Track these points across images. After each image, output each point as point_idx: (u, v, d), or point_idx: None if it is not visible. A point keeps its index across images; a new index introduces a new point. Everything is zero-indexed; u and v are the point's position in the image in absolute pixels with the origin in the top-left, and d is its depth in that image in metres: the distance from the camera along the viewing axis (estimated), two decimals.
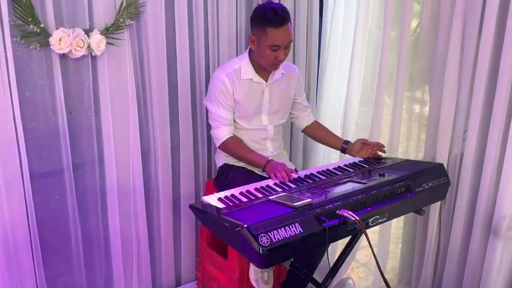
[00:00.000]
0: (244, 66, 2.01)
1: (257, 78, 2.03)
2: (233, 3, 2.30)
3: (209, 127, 2.15)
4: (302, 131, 2.32)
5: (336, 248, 2.49)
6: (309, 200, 1.53)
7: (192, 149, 2.35)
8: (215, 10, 2.26)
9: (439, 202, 2.04)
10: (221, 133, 2.04)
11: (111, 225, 2.19)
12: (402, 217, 2.32)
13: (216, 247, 2.27)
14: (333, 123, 2.51)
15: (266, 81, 2.05)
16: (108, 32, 1.97)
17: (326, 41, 2.54)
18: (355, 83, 2.40)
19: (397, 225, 2.46)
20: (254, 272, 2.00)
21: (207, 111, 2.13)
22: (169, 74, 2.20)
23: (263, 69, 2.02)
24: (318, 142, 2.33)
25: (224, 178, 2.09)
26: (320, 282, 1.90)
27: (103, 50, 1.95)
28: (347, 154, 2.12)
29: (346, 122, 2.45)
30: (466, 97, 1.95)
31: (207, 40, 2.28)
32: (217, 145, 2.08)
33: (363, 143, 2.04)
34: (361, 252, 2.63)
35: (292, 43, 2.00)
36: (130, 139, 2.14)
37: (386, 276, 2.39)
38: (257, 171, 2.05)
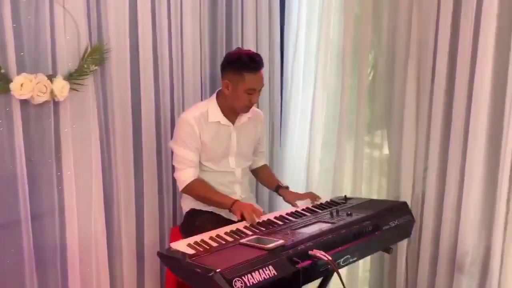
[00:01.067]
0: (211, 109, 2.04)
1: (224, 121, 2.05)
2: (197, 47, 2.35)
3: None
4: (250, 171, 2.33)
5: None
6: (281, 241, 1.52)
7: (156, 196, 2.30)
8: (179, 55, 2.30)
9: (405, 241, 2.08)
10: (186, 175, 2.01)
11: (71, 280, 2.07)
12: (368, 259, 2.35)
13: None
14: (297, 165, 2.55)
15: (233, 124, 2.08)
16: (72, 77, 1.95)
17: (288, 88, 2.62)
18: (317, 127, 2.48)
19: (363, 268, 2.46)
20: None
21: (172, 154, 2.11)
22: (134, 119, 2.18)
23: (231, 112, 2.05)
24: (260, 183, 2.38)
25: (191, 223, 2.04)
26: None
27: (66, 96, 1.92)
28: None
29: (310, 163, 2.50)
30: (424, 137, 2.05)
31: (172, 85, 2.30)
32: (181, 188, 2.04)
33: (295, 197, 2.07)
34: None
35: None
36: (92, 187, 2.08)
37: None
38: (225, 215, 2.02)
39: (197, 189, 2.02)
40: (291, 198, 2.07)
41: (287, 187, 2.17)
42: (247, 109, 2.05)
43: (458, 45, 1.86)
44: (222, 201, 1.97)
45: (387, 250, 1.83)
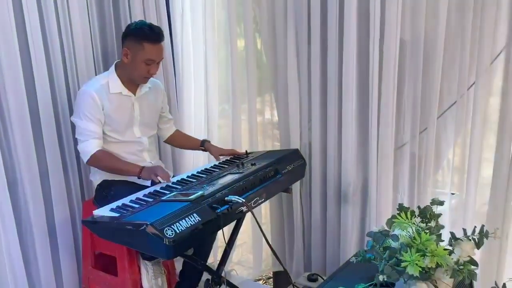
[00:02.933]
0: (112, 80, 2.09)
1: (126, 91, 2.12)
2: (86, 24, 2.34)
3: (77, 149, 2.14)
4: (165, 141, 2.48)
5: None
6: (201, 192, 1.71)
7: (62, 173, 2.29)
8: (68, 32, 2.27)
9: (298, 183, 2.41)
10: (90, 146, 2.03)
11: None
12: (268, 208, 2.66)
13: (102, 267, 2.26)
14: (196, 130, 2.74)
15: (135, 95, 2.16)
16: None
17: (179, 59, 2.76)
18: (213, 94, 2.68)
19: (264, 216, 2.76)
20: (147, 280, 2.08)
21: (73, 130, 2.12)
22: (29, 100, 2.13)
23: (131, 83, 2.13)
24: (180, 148, 2.56)
25: (106, 194, 2.10)
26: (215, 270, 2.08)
27: None
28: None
29: (209, 128, 2.70)
30: (306, 95, 2.36)
31: (65, 63, 2.27)
32: (85, 159, 2.06)
33: (221, 155, 2.29)
34: (234, 252, 2.86)
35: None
36: None
37: (264, 263, 2.71)
38: (140, 182, 2.12)
39: (103, 159, 2.05)
40: (216, 152, 2.27)
41: (209, 141, 2.35)
42: (144, 80, 2.13)
43: (327, 13, 2.16)
44: (129, 169, 2.03)
45: (287, 190, 2.15)
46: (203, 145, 2.34)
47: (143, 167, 2.02)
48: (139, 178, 2.01)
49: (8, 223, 2.08)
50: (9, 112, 2.07)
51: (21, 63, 2.08)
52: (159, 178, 1.93)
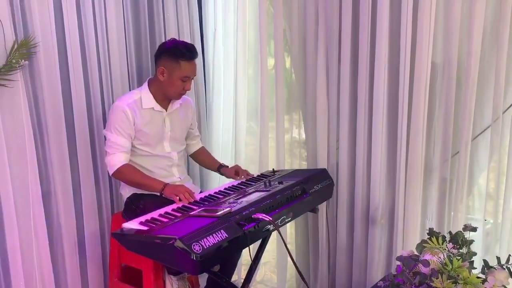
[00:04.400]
0: (144, 96, 2.15)
1: (158, 107, 2.18)
2: (122, 40, 2.43)
3: None
4: (190, 155, 2.52)
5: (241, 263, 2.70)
6: (228, 208, 1.72)
7: (93, 186, 2.35)
8: (105, 49, 2.35)
9: (324, 204, 2.39)
10: (116, 160, 2.08)
11: (14, 278, 2.06)
12: (293, 227, 2.64)
13: (128, 280, 2.28)
14: (224, 147, 2.76)
15: (166, 110, 2.21)
16: (0, 73, 1.94)
17: (210, 77, 2.81)
18: (241, 112, 2.71)
19: (289, 235, 2.75)
20: None
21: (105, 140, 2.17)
22: (65, 113, 2.21)
23: (164, 99, 2.18)
24: (200, 164, 2.58)
25: (135, 207, 2.14)
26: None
27: None
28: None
29: (237, 145, 2.72)
30: (335, 115, 2.35)
31: (101, 77, 2.35)
32: (111, 172, 2.10)
33: (236, 170, 2.31)
34: (257, 271, 2.85)
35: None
36: (29, 183, 2.08)
37: (287, 283, 2.68)
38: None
39: (127, 173, 2.09)
40: (231, 173, 2.29)
41: (227, 166, 2.37)
42: (180, 96, 2.19)
43: (359, 34, 2.17)
44: (153, 184, 2.06)
45: (314, 210, 2.14)
46: (220, 169, 2.37)
47: (167, 184, 2.04)
48: (161, 195, 2.03)
49: (40, 234, 2.14)
50: (47, 123, 2.15)
51: (60, 76, 2.17)
52: (180, 199, 1.94)
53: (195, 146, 2.48)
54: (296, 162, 2.66)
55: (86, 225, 2.34)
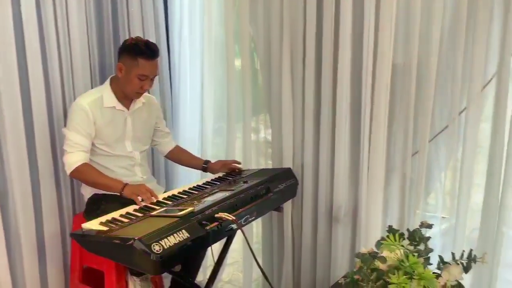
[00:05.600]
0: (106, 94, 2.11)
1: (119, 106, 2.14)
2: (84, 37, 2.36)
3: None
4: (165, 156, 2.48)
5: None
6: (191, 208, 1.71)
7: (54, 186, 2.29)
8: (67, 45, 2.30)
9: (289, 203, 2.40)
10: (74, 159, 2.02)
11: None
12: (260, 225, 2.65)
13: (90, 282, 2.24)
14: (190, 148, 2.74)
15: (128, 109, 2.18)
16: None
17: (176, 76, 2.79)
18: (208, 112, 2.70)
19: (256, 235, 2.75)
20: None
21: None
22: (24, 112, 2.14)
23: (125, 98, 2.15)
24: (181, 164, 2.52)
25: (96, 208, 2.10)
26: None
27: None
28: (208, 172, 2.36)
29: (203, 145, 2.71)
30: (300, 117, 2.36)
31: (62, 74, 2.29)
32: (68, 171, 2.04)
33: (223, 164, 2.31)
34: (225, 271, 2.86)
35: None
36: None
37: (254, 283, 2.69)
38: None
39: (85, 173, 2.03)
40: (218, 164, 2.31)
41: (211, 162, 2.36)
42: (137, 95, 2.15)
43: (322, 36, 2.20)
44: (112, 184, 2.00)
45: (278, 209, 2.15)
46: (207, 165, 2.34)
47: (126, 184, 1.99)
48: (121, 195, 1.97)
49: None
50: (3, 122, 2.08)
51: (18, 74, 2.10)
52: (140, 199, 1.90)
53: (168, 144, 2.43)
54: (266, 162, 2.66)
55: (46, 226, 2.28)
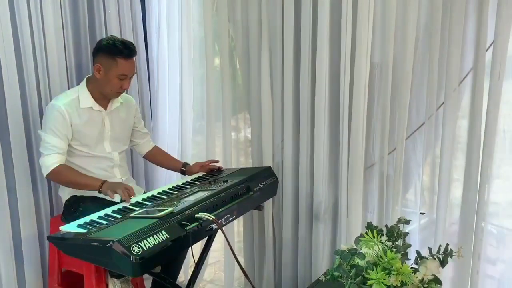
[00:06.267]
0: (82, 95, 2.08)
1: (97, 106, 2.11)
2: (60, 38, 2.33)
3: None
4: (144, 157, 2.46)
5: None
6: (170, 209, 1.70)
7: (30, 189, 2.25)
8: (42, 46, 2.25)
9: (270, 201, 2.41)
10: (51, 161, 1.99)
11: None
12: (242, 224, 2.65)
13: (69, 285, 2.20)
14: (170, 147, 2.72)
15: (106, 110, 2.15)
16: None
17: (155, 75, 2.76)
18: (187, 111, 2.68)
19: (238, 234, 2.75)
20: None
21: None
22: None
23: (102, 98, 2.12)
24: (159, 166, 2.50)
25: (74, 210, 2.07)
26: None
27: None
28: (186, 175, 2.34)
29: (183, 145, 2.69)
30: (279, 116, 2.37)
31: (37, 74, 2.25)
32: (45, 173, 2.01)
33: (201, 165, 2.30)
34: (207, 271, 2.86)
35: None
36: None
37: (236, 281, 2.69)
38: (108, 198, 2.09)
39: (63, 173, 2.00)
40: (196, 167, 2.28)
41: (190, 164, 2.33)
42: (117, 94, 2.13)
43: (301, 36, 2.20)
44: (91, 183, 1.99)
45: (259, 207, 2.15)
46: (185, 167, 2.32)
47: (105, 181, 1.98)
48: (99, 192, 1.96)
49: None
50: None
51: None
52: (121, 196, 1.90)
53: (147, 145, 2.41)
54: (246, 160, 2.66)
55: (23, 228, 2.23)
